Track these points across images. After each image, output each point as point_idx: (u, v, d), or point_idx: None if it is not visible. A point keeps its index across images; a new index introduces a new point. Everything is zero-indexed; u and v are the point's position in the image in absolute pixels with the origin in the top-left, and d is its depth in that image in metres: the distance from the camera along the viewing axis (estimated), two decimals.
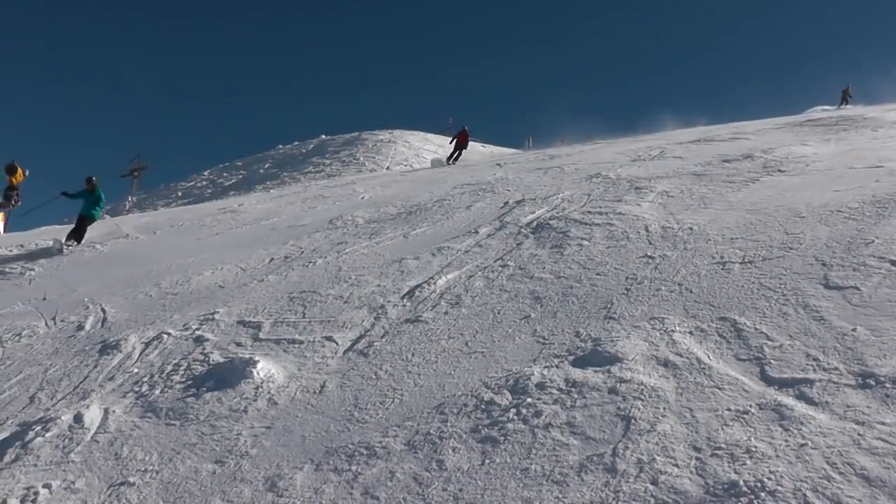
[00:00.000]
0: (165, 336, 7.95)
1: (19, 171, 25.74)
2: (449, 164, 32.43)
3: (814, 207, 8.68)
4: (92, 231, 17.00)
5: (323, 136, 64.67)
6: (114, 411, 6.17)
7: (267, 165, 58.50)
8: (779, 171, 12.32)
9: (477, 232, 10.91)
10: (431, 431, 4.95)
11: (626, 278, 7.29)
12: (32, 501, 4.91)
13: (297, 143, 65.48)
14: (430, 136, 59.82)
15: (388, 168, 42.63)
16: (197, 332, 7.93)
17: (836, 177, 10.84)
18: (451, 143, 35.21)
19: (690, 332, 5.73)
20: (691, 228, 8.68)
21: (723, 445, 4.14)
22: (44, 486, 5.06)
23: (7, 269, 14.25)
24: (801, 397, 4.52)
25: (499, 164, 22.93)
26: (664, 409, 4.65)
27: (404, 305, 7.77)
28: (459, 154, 34.28)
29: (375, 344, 6.80)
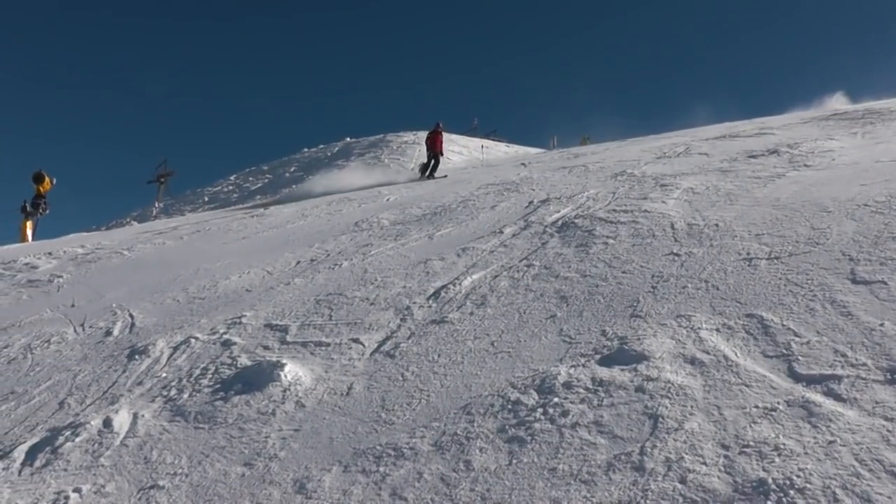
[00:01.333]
0: (193, 340, 8.00)
1: (46, 179, 26.06)
2: (425, 178, 26.20)
3: (840, 202, 8.63)
4: None
5: (347, 139, 64.74)
6: (143, 415, 6.21)
7: (292, 169, 58.62)
8: (805, 165, 12.25)
9: (502, 232, 10.90)
10: (458, 432, 4.96)
11: (653, 276, 7.26)
12: None
13: (321, 145, 65.59)
14: (454, 136, 59.78)
15: (412, 169, 42.61)
16: (224, 336, 7.96)
17: (862, 171, 10.77)
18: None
19: (717, 330, 5.71)
20: (717, 225, 8.64)
21: (751, 443, 4.12)
22: (74, 491, 5.09)
23: (36, 277, 14.37)
24: (829, 394, 4.50)
25: (523, 164, 22.95)
26: (692, 406, 4.64)
27: (430, 306, 7.78)
28: (436, 164, 27.28)
29: (402, 345, 6.81)
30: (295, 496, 4.60)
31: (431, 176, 26.27)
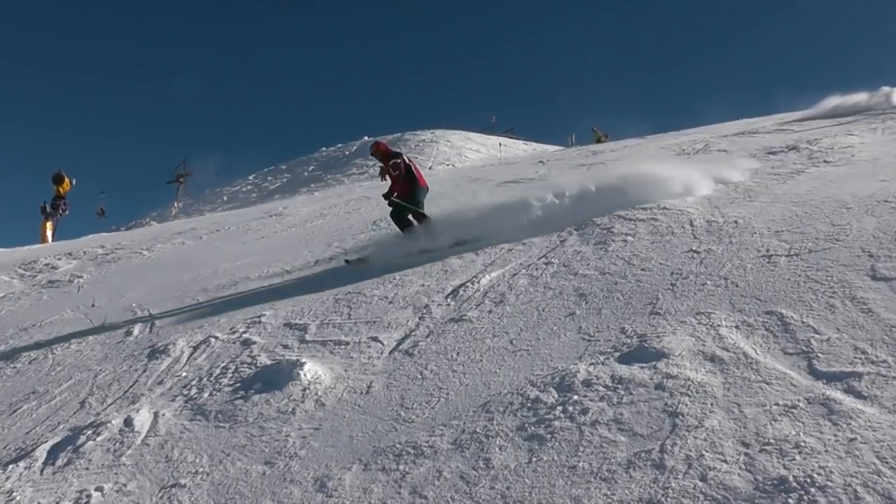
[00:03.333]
0: (213, 339, 8.03)
1: (66, 180, 26.21)
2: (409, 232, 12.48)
3: (860, 198, 8.58)
4: None
5: (366, 138, 64.83)
6: (163, 415, 6.25)
7: (311, 168, 58.71)
8: (824, 161, 12.18)
9: None
10: (478, 430, 4.96)
11: (672, 273, 7.24)
12: None
13: (340, 144, 65.72)
14: (472, 134, 59.71)
15: (430, 168, 42.59)
16: (244, 336, 7.99)
17: (882, 166, 10.70)
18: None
19: (737, 327, 5.69)
20: (736, 222, 8.60)
21: (771, 441, 4.11)
22: (96, 489, 5.14)
23: (56, 277, 14.46)
24: (850, 391, 4.47)
25: (541, 162, 22.90)
26: (712, 404, 4.62)
27: (448, 305, 7.78)
28: (409, 209, 12.62)
29: (420, 344, 6.82)
30: (315, 494, 4.62)
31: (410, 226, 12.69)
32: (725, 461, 4.01)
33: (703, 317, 6.01)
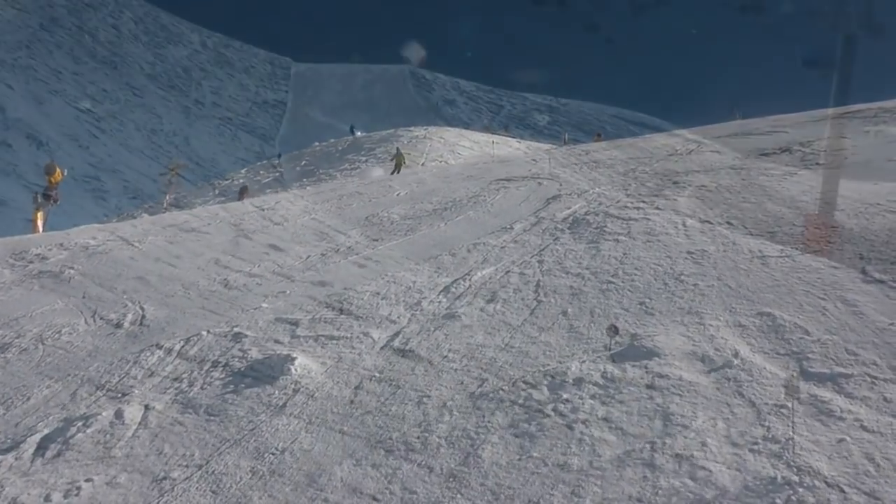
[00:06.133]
0: (204, 333, 8.01)
1: (58, 171, 26.24)
2: None
3: (851, 201, 8.61)
4: None
5: (359, 133, 64.84)
6: (154, 407, 6.23)
7: (303, 163, 58.70)
8: (816, 164, 12.23)
9: (513, 228, 10.90)
10: (469, 426, 4.96)
11: (664, 273, 7.26)
12: (76, 495, 4.98)
13: (332, 139, 65.71)
14: (465, 132, 59.73)
15: (423, 164, 42.56)
16: (235, 329, 7.98)
17: (874, 169, 10.75)
18: None
19: (729, 327, 5.71)
20: (729, 223, 8.64)
21: (761, 440, 4.13)
22: (86, 481, 5.12)
23: (47, 268, 14.42)
24: (840, 391, 4.50)
25: (534, 160, 22.92)
26: (702, 403, 4.64)
27: (440, 301, 7.78)
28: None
29: (412, 340, 6.82)
30: (306, 489, 4.61)
31: None
32: (715, 460, 4.02)
33: (695, 317, 6.04)
